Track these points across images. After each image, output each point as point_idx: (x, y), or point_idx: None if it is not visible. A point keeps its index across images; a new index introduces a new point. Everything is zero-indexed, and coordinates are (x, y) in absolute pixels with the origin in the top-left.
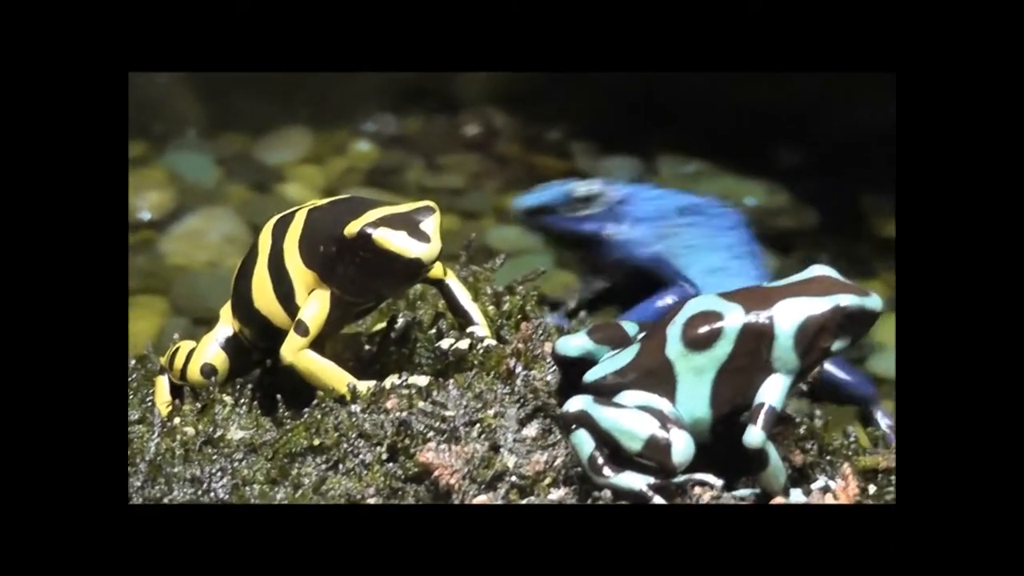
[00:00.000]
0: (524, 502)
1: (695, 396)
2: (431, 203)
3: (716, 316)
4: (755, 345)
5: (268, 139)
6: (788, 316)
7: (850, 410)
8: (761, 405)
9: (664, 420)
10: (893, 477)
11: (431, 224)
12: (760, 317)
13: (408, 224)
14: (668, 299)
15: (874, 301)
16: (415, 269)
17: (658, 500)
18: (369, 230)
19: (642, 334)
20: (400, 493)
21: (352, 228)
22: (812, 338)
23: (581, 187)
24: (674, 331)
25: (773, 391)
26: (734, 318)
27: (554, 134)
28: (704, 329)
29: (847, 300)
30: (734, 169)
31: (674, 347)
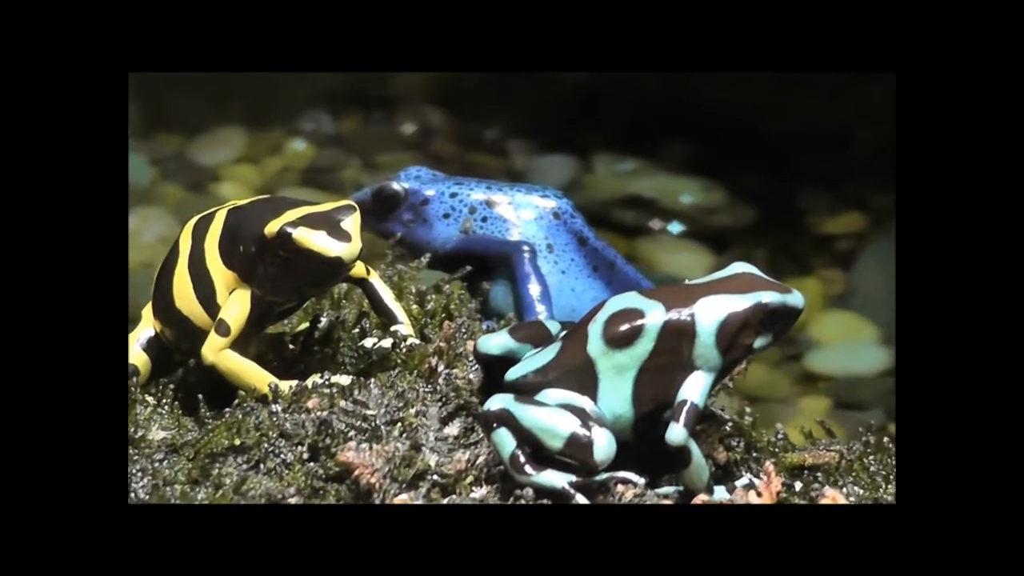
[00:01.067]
0: (446, 501)
1: (617, 394)
2: (352, 202)
3: (637, 314)
4: (676, 343)
5: (203, 139)
6: (709, 313)
7: (779, 408)
8: (683, 402)
9: (585, 418)
10: (819, 474)
11: (351, 223)
12: (681, 315)
13: (328, 223)
14: (530, 272)
15: (796, 298)
16: (336, 268)
17: (580, 498)
18: (289, 229)
19: (563, 332)
20: (321, 492)
21: (272, 227)
22: (734, 335)
23: (385, 189)
24: (595, 329)
25: (695, 388)
26: (655, 316)
27: (491, 133)
28: (625, 327)
29: (769, 297)
30: (670, 167)
31: (595, 345)
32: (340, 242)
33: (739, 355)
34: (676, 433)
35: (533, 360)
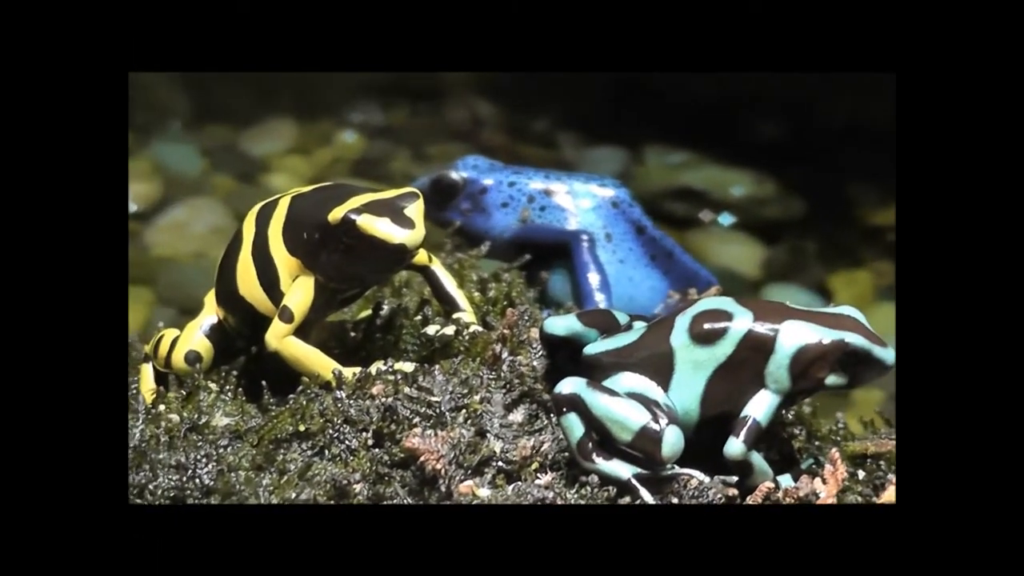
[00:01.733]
0: (511, 488)
1: (689, 390)
2: (415, 189)
3: (726, 315)
4: (754, 354)
5: (253, 130)
6: (792, 336)
7: (839, 398)
8: (746, 418)
9: (656, 412)
10: (883, 462)
11: (415, 210)
12: (765, 328)
13: (392, 210)
14: (588, 261)
15: (885, 352)
16: (399, 255)
17: (644, 492)
18: (353, 216)
19: (638, 323)
20: (387, 478)
21: (336, 214)
22: (808, 364)
23: (443, 178)
24: (683, 321)
25: (760, 406)
26: (742, 322)
27: (540, 124)
28: (710, 325)
29: (853, 339)
30: (720, 159)
31: (679, 336)
32: (404, 229)
33: (810, 386)
34: (735, 447)
35: (614, 340)
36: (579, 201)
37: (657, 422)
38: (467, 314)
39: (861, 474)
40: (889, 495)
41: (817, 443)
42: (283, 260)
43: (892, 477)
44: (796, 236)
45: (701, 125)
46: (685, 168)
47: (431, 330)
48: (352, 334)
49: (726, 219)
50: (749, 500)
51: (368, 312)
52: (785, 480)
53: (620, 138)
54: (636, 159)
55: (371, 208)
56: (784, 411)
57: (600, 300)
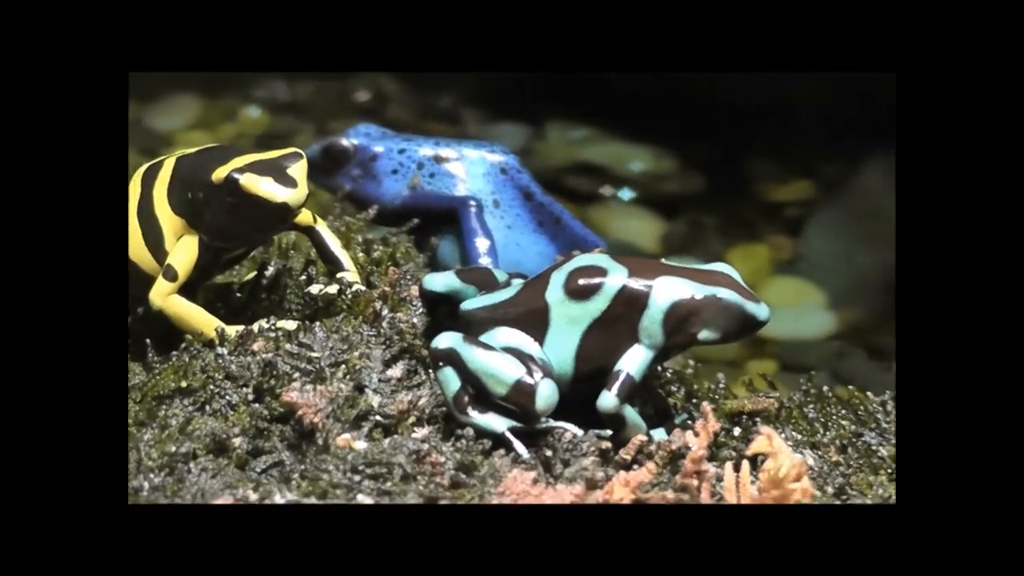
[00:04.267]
0: (387, 442)
1: (563, 345)
2: (298, 149)
3: (601, 271)
4: (628, 309)
5: (158, 106)
6: (665, 292)
7: (727, 371)
8: (619, 372)
9: (531, 366)
10: (758, 419)
11: (297, 170)
12: (639, 284)
13: (275, 170)
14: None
15: (757, 308)
16: (281, 213)
17: (518, 444)
18: (236, 175)
19: (516, 280)
20: (266, 433)
21: (219, 173)
22: (681, 319)
23: (334, 145)
24: (558, 277)
25: (634, 360)
26: (616, 278)
27: (444, 100)
28: (585, 281)
29: (726, 294)
30: (621, 135)
31: (555, 293)
32: (286, 188)
33: (683, 340)
34: (608, 401)
35: (491, 296)
36: (468, 168)
37: (531, 376)
38: (351, 274)
39: (737, 431)
40: (758, 445)
41: (695, 401)
42: (168, 220)
43: (764, 428)
44: (695, 211)
45: (603, 101)
46: (586, 143)
47: (314, 289)
48: (238, 295)
49: (626, 194)
50: (622, 453)
51: (254, 274)
52: (658, 434)
53: (523, 114)
54: (538, 135)
55: (254, 168)
56: (660, 367)
57: (487, 265)
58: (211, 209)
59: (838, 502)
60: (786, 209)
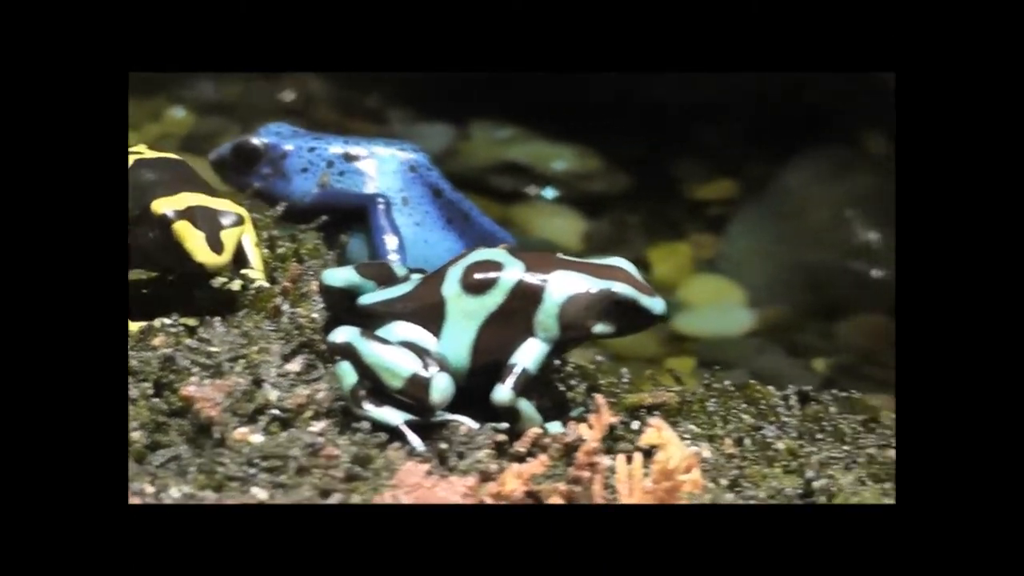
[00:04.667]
0: (284, 435)
1: (460, 339)
2: (244, 212)
3: (497, 266)
4: (523, 303)
5: None
6: (560, 286)
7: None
8: (514, 365)
9: (426, 360)
10: (657, 412)
11: (231, 235)
12: (535, 279)
13: (210, 226)
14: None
15: (652, 302)
16: (196, 269)
17: (413, 437)
18: (170, 217)
19: (416, 275)
20: (164, 427)
21: (159, 207)
22: (576, 313)
23: (244, 143)
24: (455, 271)
25: (529, 354)
26: (512, 273)
27: (371, 100)
28: (481, 275)
29: (620, 288)
30: (545, 134)
31: (451, 286)
32: (212, 252)
33: (578, 335)
34: (502, 393)
35: (390, 291)
36: (378, 166)
37: (427, 369)
38: (254, 271)
39: (636, 424)
40: (648, 437)
41: (593, 394)
42: None
43: (654, 421)
44: (619, 210)
45: (528, 101)
46: (511, 143)
47: (216, 283)
48: (143, 291)
49: (550, 193)
50: (517, 445)
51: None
52: (554, 427)
53: (449, 114)
54: (463, 134)
55: (192, 216)
56: (559, 360)
57: (396, 261)
58: (138, 229)
59: (731, 494)
60: (709, 208)
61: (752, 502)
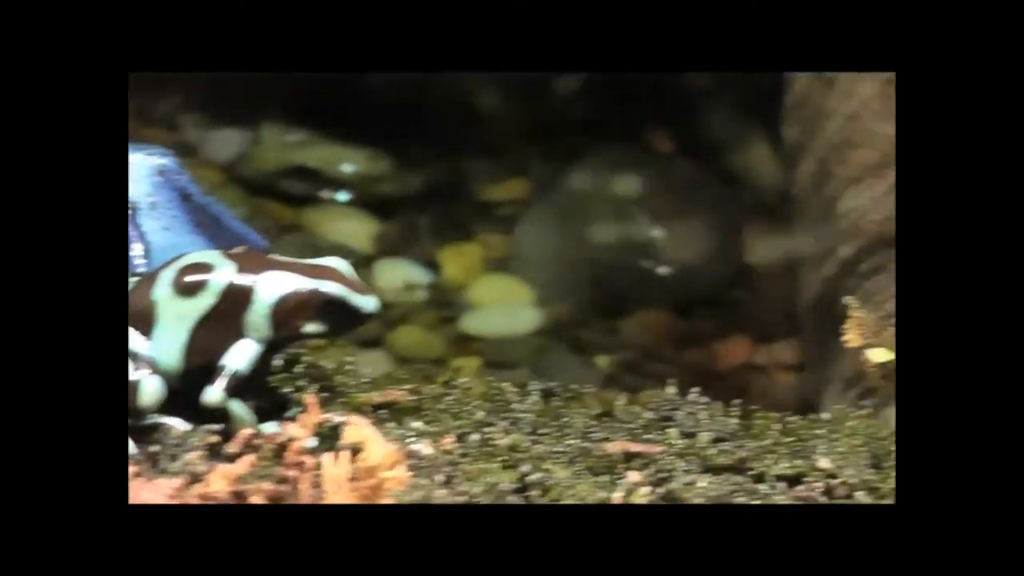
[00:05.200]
0: None
1: (172, 341)
2: None
3: (208, 268)
4: (234, 306)
5: None
6: (270, 287)
7: (431, 369)
8: (224, 366)
9: (136, 363)
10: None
11: None
12: (246, 280)
13: None
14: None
15: (364, 300)
16: None
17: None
18: None
19: (133, 278)
20: None
21: None
22: (287, 312)
23: None
24: (167, 274)
25: (240, 355)
26: (224, 274)
27: (163, 106)
28: (192, 277)
29: (330, 287)
30: (336, 138)
31: (162, 289)
32: None
33: (290, 335)
34: (211, 394)
35: None
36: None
37: (136, 371)
38: None
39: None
40: (348, 435)
41: (327, 394)
42: None
43: (354, 418)
44: (410, 212)
45: (317, 103)
46: (301, 147)
47: None
48: None
49: (341, 196)
50: (228, 446)
51: None
52: (269, 427)
53: (240, 118)
54: (255, 139)
55: None
56: (277, 359)
57: (143, 268)
58: None
59: (444, 490)
60: (500, 208)
61: (463, 499)
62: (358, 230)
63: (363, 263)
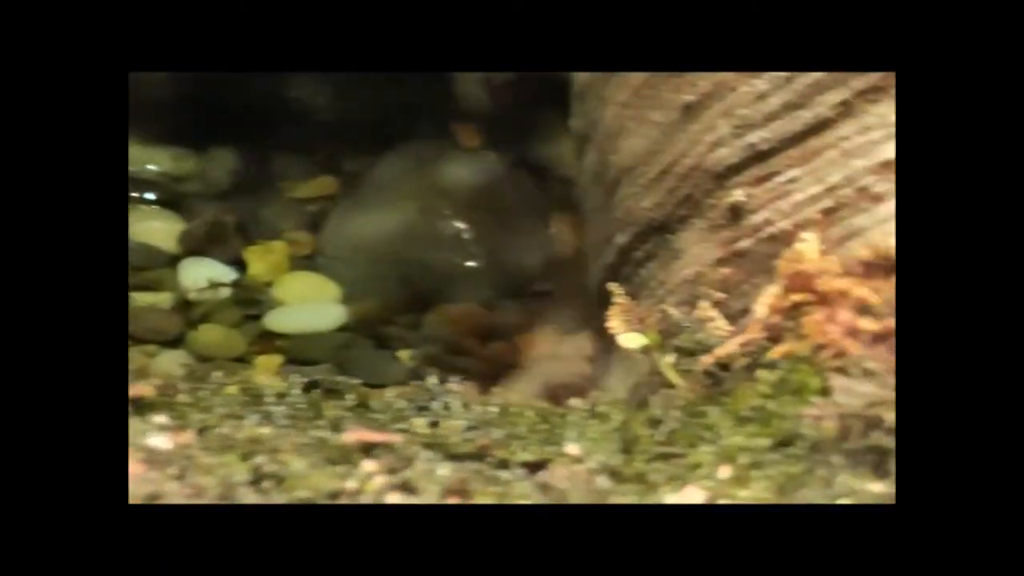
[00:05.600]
0: None
1: None
2: None
3: None
4: None
5: None
6: None
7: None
8: None
9: None
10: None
11: None
12: None
13: None
14: None
15: None
16: None
17: None
18: None
19: None
20: None
21: None
22: None
23: None
24: None
25: None
26: None
27: None
28: None
29: None
30: (140, 138)
31: None
32: None
33: None
34: None
35: None
36: None
37: None
38: None
39: None
40: None
41: None
42: None
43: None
44: (217, 210)
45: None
46: None
47: None
48: None
49: (148, 196)
50: None
51: None
52: None
53: None
54: None
55: None
56: None
57: None
58: None
59: (177, 483)
60: (307, 205)
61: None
62: (164, 230)
63: (170, 262)
